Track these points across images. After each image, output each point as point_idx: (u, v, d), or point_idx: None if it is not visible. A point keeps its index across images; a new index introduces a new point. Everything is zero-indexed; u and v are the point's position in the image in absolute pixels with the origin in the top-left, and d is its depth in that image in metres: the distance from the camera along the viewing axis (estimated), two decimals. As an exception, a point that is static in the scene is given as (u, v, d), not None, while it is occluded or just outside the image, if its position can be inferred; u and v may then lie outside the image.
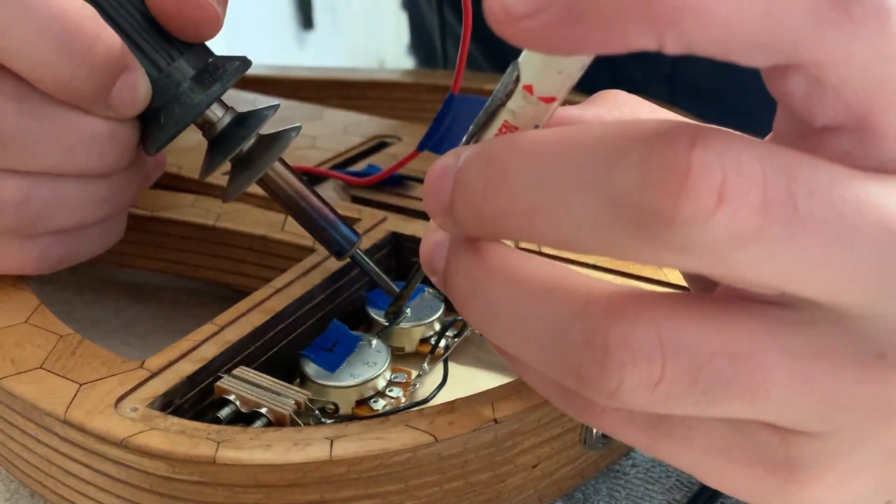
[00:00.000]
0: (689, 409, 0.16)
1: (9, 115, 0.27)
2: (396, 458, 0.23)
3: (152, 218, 0.36)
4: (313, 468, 0.22)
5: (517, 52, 0.19)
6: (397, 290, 0.30)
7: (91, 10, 0.27)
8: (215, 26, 0.28)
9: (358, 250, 0.30)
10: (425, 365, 0.31)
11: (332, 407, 0.28)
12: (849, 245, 0.15)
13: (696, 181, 0.14)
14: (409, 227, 0.35)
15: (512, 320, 0.18)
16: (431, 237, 0.20)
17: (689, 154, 0.14)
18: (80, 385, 0.25)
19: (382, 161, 0.42)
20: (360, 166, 0.42)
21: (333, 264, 0.32)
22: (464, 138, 0.20)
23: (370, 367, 0.29)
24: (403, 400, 0.29)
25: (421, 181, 0.39)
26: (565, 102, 0.20)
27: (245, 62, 0.29)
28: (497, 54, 0.64)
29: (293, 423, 0.25)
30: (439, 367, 0.31)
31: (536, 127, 0.19)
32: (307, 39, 1.98)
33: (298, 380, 0.29)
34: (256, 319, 0.29)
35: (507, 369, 0.32)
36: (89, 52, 0.26)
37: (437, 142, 0.35)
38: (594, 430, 0.27)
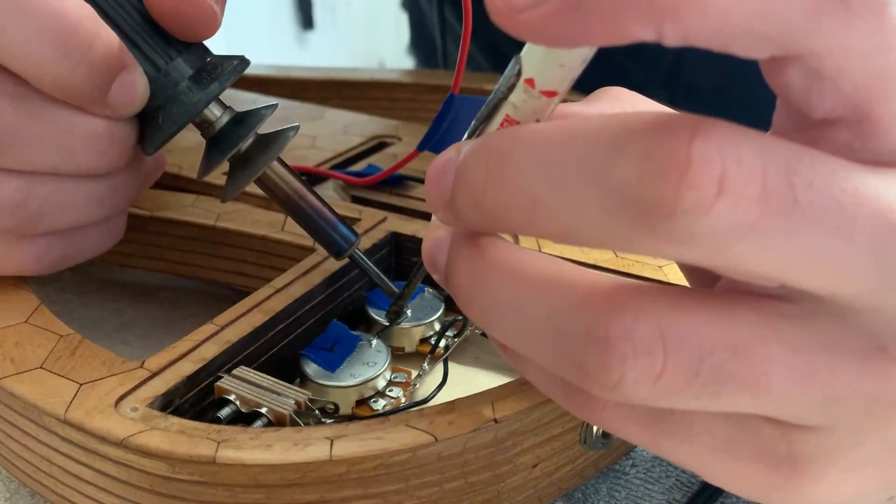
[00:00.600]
0: (690, 402, 0.16)
1: (7, 115, 0.27)
2: (396, 458, 0.23)
3: (152, 218, 0.36)
4: (313, 468, 0.22)
5: (517, 52, 0.19)
6: (397, 290, 0.30)
7: (89, 10, 0.27)
8: (213, 26, 0.28)
9: (357, 250, 0.30)
10: (425, 365, 0.31)
11: (332, 407, 0.28)
12: (848, 236, 0.15)
13: (696, 172, 0.14)
14: (409, 227, 0.35)
15: (514, 315, 0.18)
16: (434, 234, 0.20)
17: (690, 145, 0.14)
18: (81, 385, 0.25)
19: (382, 161, 0.42)
20: (360, 166, 0.42)
21: (333, 264, 0.32)
22: (466, 133, 0.21)
23: (370, 367, 0.29)
24: (403, 400, 0.29)
25: (421, 181, 0.39)
26: (565, 100, 0.20)
27: (243, 61, 0.29)
28: (497, 54, 0.64)
29: (293, 423, 0.25)
30: (439, 367, 0.31)
31: (538, 122, 0.19)
32: (307, 39, 1.98)
33: (298, 380, 0.29)
34: (256, 319, 0.29)
35: (507, 369, 0.32)
36: (88, 52, 0.26)
37: (437, 142, 0.35)
38: (594, 430, 0.27)
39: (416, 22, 0.78)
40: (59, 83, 0.27)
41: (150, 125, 0.29)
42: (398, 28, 1.01)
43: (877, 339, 0.16)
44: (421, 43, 0.78)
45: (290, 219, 0.36)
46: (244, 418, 0.26)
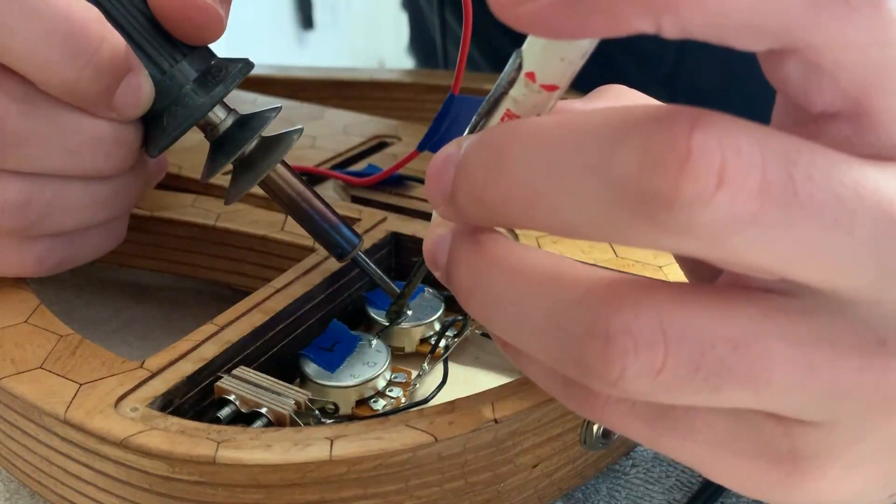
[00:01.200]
0: (691, 397, 0.16)
1: (13, 117, 0.27)
2: (396, 458, 0.23)
3: (152, 218, 0.36)
4: (313, 468, 0.22)
5: (516, 52, 0.19)
6: (398, 290, 0.30)
7: (96, 12, 0.27)
8: (219, 29, 0.28)
9: (359, 252, 0.30)
10: (425, 365, 0.31)
11: (332, 407, 0.28)
12: (847, 229, 0.15)
13: (696, 163, 0.14)
14: (409, 227, 0.35)
15: (514, 311, 0.18)
16: (435, 232, 0.21)
17: (690, 137, 0.14)
18: (80, 385, 0.25)
19: (382, 161, 0.42)
20: (360, 166, 0.42)
21: (333, 264, 0.32)
22: (467, 129, 0.21)
23: (370, 367, 0.29)
24: (403, 400, 0.29)
25: (421, 181, 0.39)
26: (563, 97, 0.20)
27: (248, 64, 0.29)
28: (496, 55, 0.64)
29: (293, 423, 0.25)
30: (439, 367, 0.31)
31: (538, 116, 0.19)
32: (307, 39, 1.98)
33: (298, 380, 0.29)
34: (256, 319, 0.29)
35: (507, 369, 0.32)
36: (95, 54, 0.26)
37: (437, 142, 0.35)
38: (594, 430, 0.27)
39: (415, 22, 0.78)
40: (65, 85, 0.27)
41: (154, 128, 0.29)
42: (398, 28, 1.01)
43: (877, 334, 0.16)
44: (420, 43, 0.78)
45: (290, 219, 0.36)
46: (244, 418, 0.26)
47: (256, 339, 0.29)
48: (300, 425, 0.25)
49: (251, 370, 0.27)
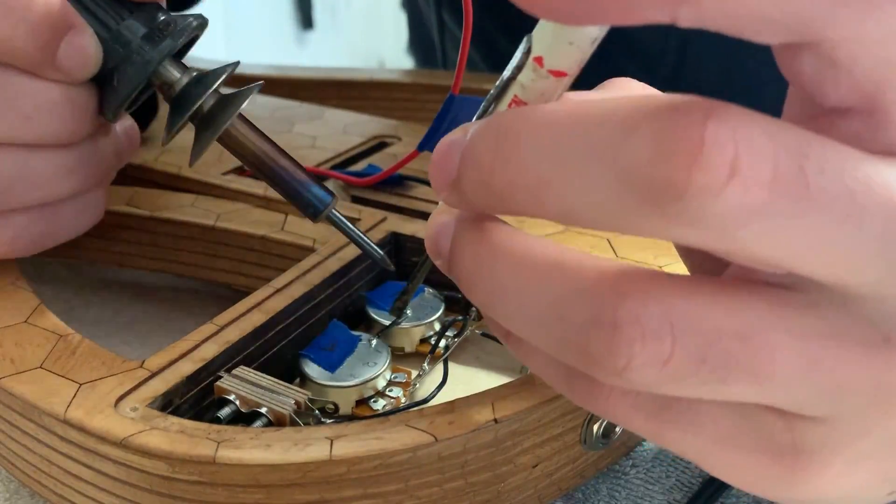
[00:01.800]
0: (696, 389, 0.16)
1: None
2: (396, 457, 0.23)
3: (152, 218, 0.36)
4: (313, 468, 0.22)
5: (514, 52, 0.19)
6: (380, 254, 0.30)
7: None
8: None
9: (335, 211, 0.29)
10: (425, 365, 0.31)
11: (332, 407, 0.28)
12: (857, 224, 0.15)
13: (708, 154, 0.14)
14: (409, 227, 0.35)
15: (518, 299, 0.18)
16: (437, 219, 0.20)
17: (703, 127, 0.14)
18: (80, 385, 0.25)
19: (382, 161, 0.42)
20: (360, 166, 0.42)
21: (333, 264, 0.32)
22: (475, 115, 0.20)
23: (370, 367, 0.29)
24: (403, 400, 0.29)
25: (421, 181, 0.39)
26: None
27: (201, 20, 0.28)
28: (495, 55, 0.64)
29: (293, 423, 0.25)
30: (439, 367, 0.31)
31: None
32: (307, 39, 1.98)
33: (298, 380, 0.29)
34: (256, 319, 0.29)
35: (507, 369, 0.32)
36: (27, 10, 0.26)
37: (437, 142, 0.35)
38: (594, 430, 0.27)
39: (414, 22, 0.78)
40: (2, 45, 0.26)
41: (107, 89, 0.28)
42: (398, 28, 1.01)
43: (881, 330, 0.16)
44: (419, 43, 0.78)
45: (290, 219, 0.36)
46: (244, 418, 0.26)
47: (256, 339, 0.29)
48: (300, 425, 0.25)
49: (251, 370, 0.27)
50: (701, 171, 0.14)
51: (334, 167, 0.42)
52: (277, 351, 0.30)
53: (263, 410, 0.25)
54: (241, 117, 0.29)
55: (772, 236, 0.15)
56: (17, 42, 0.26)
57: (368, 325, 0.33)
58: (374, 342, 0.30)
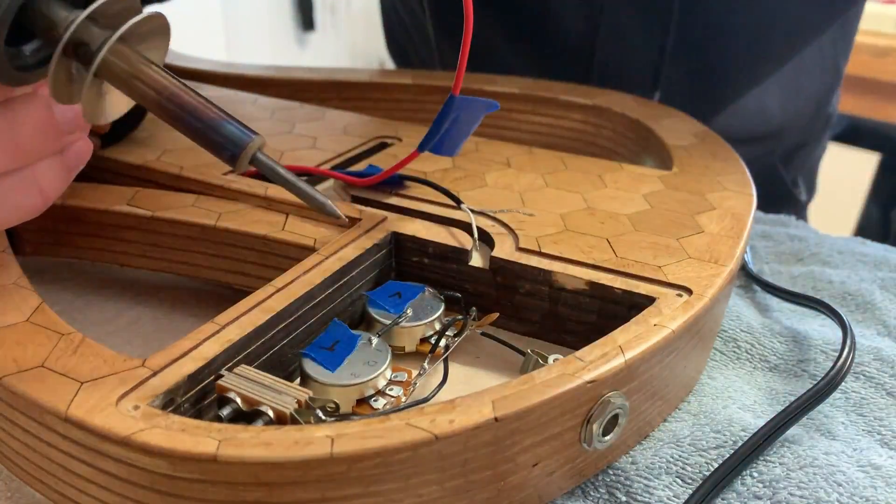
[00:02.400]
0: None
1: None
2: (397, 456, 0.23)
3: (153, 218, 0.36)
4: (314, 466, 0.23)
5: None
6: (311, 193, 0.27)
7: None
8: None
9: (262, 153, 0.26)
10: (425, 364, 0.31)
11: (333, 405, 0.28)
12: None
13: None
14: (409, 227, 0.35)
15: None
16: None
17: None
18: (82, 383, 0.25)
19: (383, 161, 0.43)
20: (360, 166, 0.42)
21: (334, 264, 0.32)
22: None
23: (371, 367, 0.29)
24: (404, 399, 0.29)
25: (421, 181, 0.39)
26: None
27: None
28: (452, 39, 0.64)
29: (294, 422, 0.25)
30: (439, 367, 0.31)
31: None
32: (308, 40, 1.98)
33: (299, 378, 0.29)
34: (257, 318, 0.29)
35: (507, 369, 0.32)
36: None
37: (437, 142, 0.35)
38: (594, 429, 0.27)
39: (389, 23, 0.78)
40: None
41: None
42: (398, 29, 1.01)
43: None
44: (395, 42, 0.78)
45: (290, 219, 0.36)
46: (245, 417, 0.26)
47: (257, 338, 0.29)
48: (301, 424, 0.25)
49: (252, 369, 0.27)
50: None
51: (335, 167, 0.42)
52: (278, 350, 0.30)
53: (264, 409, 0.25)
54: (138, 53, 0.25)
55: None
56: None
57: (369, 324, 0.33)
58: (374, 341, 0.30)
